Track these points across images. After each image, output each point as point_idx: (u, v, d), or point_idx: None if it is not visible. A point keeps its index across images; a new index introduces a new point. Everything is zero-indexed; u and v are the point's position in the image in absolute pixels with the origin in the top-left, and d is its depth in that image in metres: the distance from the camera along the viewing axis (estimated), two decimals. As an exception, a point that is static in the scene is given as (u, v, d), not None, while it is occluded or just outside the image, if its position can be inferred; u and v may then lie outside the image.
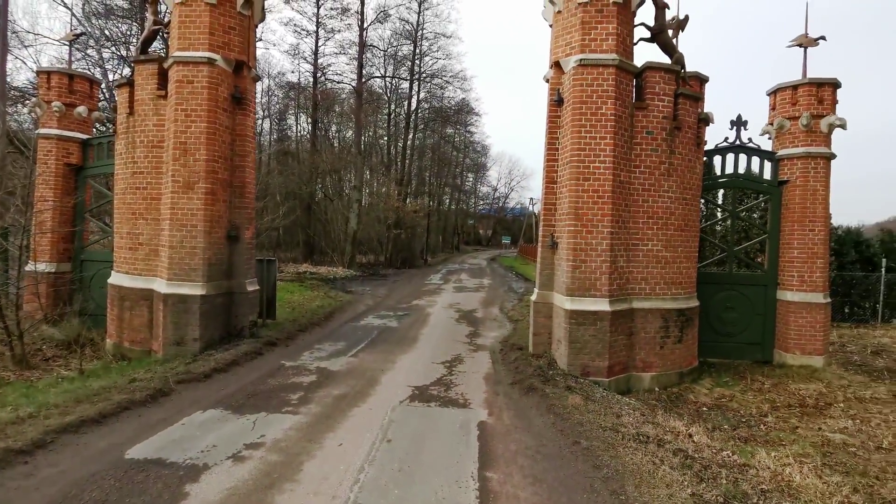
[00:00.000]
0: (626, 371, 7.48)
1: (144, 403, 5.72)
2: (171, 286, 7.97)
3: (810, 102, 9.25)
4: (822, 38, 9.54)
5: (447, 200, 51.59)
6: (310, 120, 32.75)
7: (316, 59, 30.39)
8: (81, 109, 10.73)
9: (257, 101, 32.49)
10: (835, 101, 9.37)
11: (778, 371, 8.86)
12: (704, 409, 6.90)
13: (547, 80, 8.13)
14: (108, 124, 14.66)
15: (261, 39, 28.04)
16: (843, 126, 9.23)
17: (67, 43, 11.58)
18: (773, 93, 9.88)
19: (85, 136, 10.85)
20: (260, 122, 32.50)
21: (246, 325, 8.73)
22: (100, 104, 12.11)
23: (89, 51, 20.55)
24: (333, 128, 35.96)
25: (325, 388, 6.53)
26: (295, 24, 29.93)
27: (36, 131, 10.88)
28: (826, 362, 9.25)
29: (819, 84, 9.29)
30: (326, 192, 30.75)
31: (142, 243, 8.47)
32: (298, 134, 35.83)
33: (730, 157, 9.75)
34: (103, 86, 18.79)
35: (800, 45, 9.45)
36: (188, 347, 7.85)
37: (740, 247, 11.11)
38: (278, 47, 43.67)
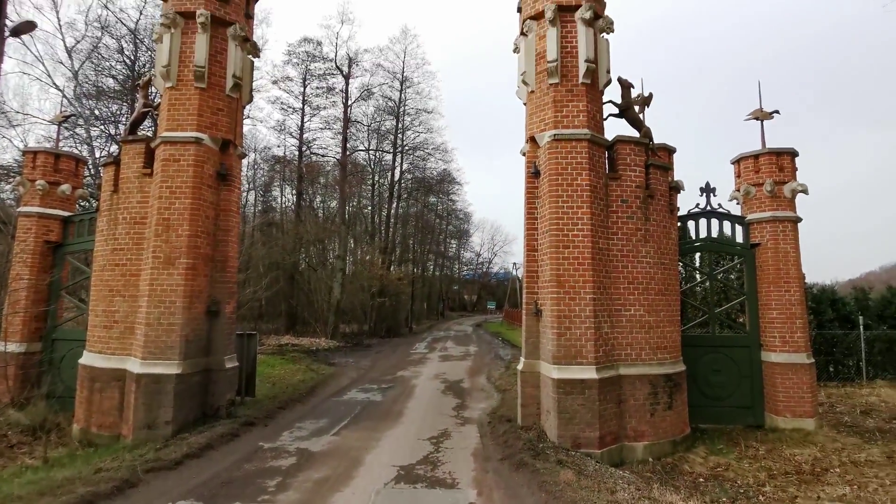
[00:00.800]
0: (617, 441, 7.26)
1: (110, 496, 5.32)
2: (145, 365, 7.67)
3: (772, 170, 9.77)
4: (776, 111, 10.24)
5: (431, 267, 51.82)
6: (295, 191, 33.33)
7: (301, 134, 31.46)
8: (65, 187, 10.78)
9: (243, 175, 33.13)
10: (794, 168, 9.91)
11: (771, 435, 8.68)
12: (701, 480, 6.66)
13: (523, 154, 8.49)
14: (91, 201, 14.71)
15: (248, 117, 29.03)
16: (804, 191, 9.70)
17: (56, 124, 11.82)
18: (736, 161, 10.43)
19: (67, 214, 10.82)
20: (245, 194, 32.95)
21: (223, 404, 8.36)
22: (85, 181, 12.19)
23: (78, 129, 21.00)
24: (318, 199, 36.57)
25: (306, 472, 6.17)
26: (282, 102, 31.17)
27: (18, 209, 10.83)
28: (818, 424, 9.13)
29: (778, 153, 9.86)
30: (310, 261, 30.73)
31: (117, 321, 8.23)
32: (283, 205, 36.31)
33: (703, 221, 10.10)
34: (90, 163, 19.04)
35: (756, 119, 10.12)
36: (160, 431, 7.43)
37: (721, 308, 11.24)
38: (265, 123, 45.49)
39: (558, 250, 7.39)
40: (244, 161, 31.86)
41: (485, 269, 71.34)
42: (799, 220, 9.75)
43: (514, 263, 61.95)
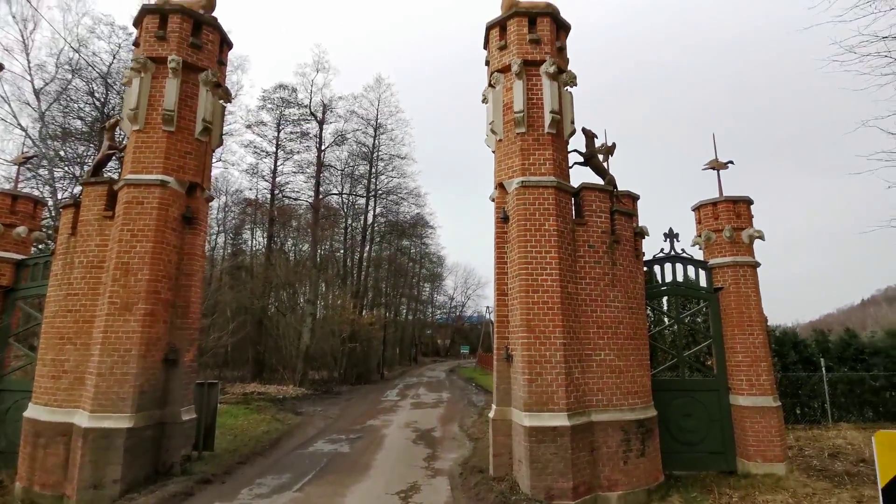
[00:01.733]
0: (591, 491, 7.07)
1: (41, 568, 4.81)
2: (94, 419, 7.18)
3: (730, 217, 10.16)
4: (731, 161, 10.78)
5: (404, 311, 51.25)
6: (266, 235, 32.93)
7: (274, 178, 31.43)
8: (21, 230, 10.34)
9: (212, 218, 32.65)
10: (750, 215, 10.33)
11: (744, 481, 8.61)
12: (676, 530, 6.49)
13: (493, 200, 8.62)
14: (49, 243, 14.15)
15: (220, 160, 28.92)
16: (761, 237, 10.09)
17: (17, 164, 11.47)
18: (697, 208, 10.82)
19: (21, 257, 10.34)
20: (214, 237, 32.34)
21: (178, 460, 7.83)
22: (45, 223, 11.76)
23: (41, 170, 20.47)
24: (290, 242, 36.19)
25: (263, 534, 5.76)
26: (255, 146, 31.21)
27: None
28: (788, 469, 9.12)
29: (735, 201, 10.30)
30: (280, 306, 30.01)
31: (66, 371, 7.74)
32: (253, 248, 35.73)
33: (668, 266, 10.35)
34: (50, 205, 18.45)
35: (713, 168, 10.61)
36: (106, 491, 6.88)
37: (689, 352, 11.36)
38: (237, 167, 45.35)
39: (527, 295, 7.41)
40: (213, 204, 31.55)
41: (458, 313, 70.97)
42: (757, 264, 10.08)
43: (488, 307, 61.93)
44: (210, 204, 9.54)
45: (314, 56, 62.45)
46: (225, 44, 9.31)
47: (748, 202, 10.35)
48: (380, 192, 36.35)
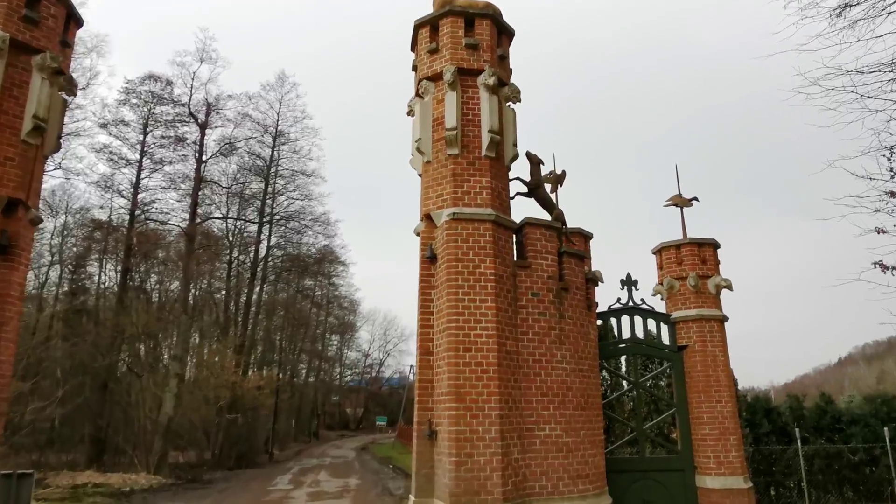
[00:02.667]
0: None
1: None
2: None
3: (695, 262, 10.89)
4: (695, 198, 11.66)
5: (304, 371, 49.70)
6: (120, 268, 31.04)
7: (136, 194, 29.98)
8: None
9: (43, 244, 30.38)
10: (717, 261, 11.14)
11: (712, 582, 8.92)
12: None
13: (418, 234, 8.69)
14: None
15: (59, 167, 27.21)
16: (728, 287, 10.88)
17: None
18: (658, 251, 11.52)
19: None
20: (45, 270, 30.02)
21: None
22: None
23: None
24: (153, 278, 34.34)
25: None
26: (112, 152, 29.69)
27: None
28: (761, 564, 9.59)
29: (700, 244, 11.08)
30: (135, 363, 28.10)
31: None
32: (101, 286, 33.49)
33: (625, 319, 10.83)
34: None
35: (675, 205, 11.40)
36: None
37: (651, 423, 11.83)
38: (84, 177, 42.59)
39: (458, 354, 7.43)
40: (45, 226, 29.39)
41: (374, 374, 69.75)
42: (725, 318, 10.82)
43: (412, 366, 61.47)
44: (39, 226, 8.88)
45: (198, 42, 61.42)
46: (73, 19, 8.92)
47: (714, 245, 11.17)
48: (277, 216, 35.68)
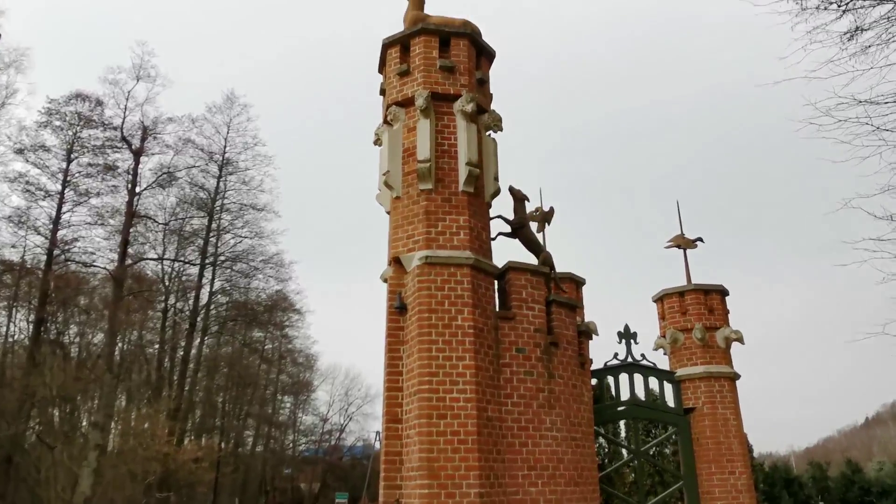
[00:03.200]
0: None
1: None
2: None
3: (701, 312, 11.02)
4: (700, 239, 11.88)
5: (250, 439, 48.48)
6: (33, 318, 30.25)
7: (55, 231, 29.50)
8: None
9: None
10: (726, 311, 11.29)
11: None
12: None
13: (385, 280, 8.66)
14: None
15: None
16: (739, 340, 10.99)
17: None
18: (659, 299, 11.65)
19: None
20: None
21: None
22: None
23: None
24: (72, 330, 33.48)
25: None
26: (28, 182, 29.30)
27: None
28: None
29: (706, 291, 11.23)
30: (46, 432, 27.13)
31: None
32: (10, 339, 32.50)
33: (624, 377, 10.83)
34: None
35: (678, 247, 11.60)
36: None
37: (656, 498, 11.73)
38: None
39: (431, 421, 7.32)
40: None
41: (334, 442, 68.25)
42: (737, 376, 10.89)
43: (377, 432, 60.45)
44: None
45: (134, 58, 61.67)
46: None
47: (722, 292, 11.34)
48: (222, 257, 35.40)
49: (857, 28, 8.68)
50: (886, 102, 8.28)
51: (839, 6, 8.62)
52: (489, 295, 8.26)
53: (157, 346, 34.66)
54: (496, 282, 8.54)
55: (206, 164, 34.36)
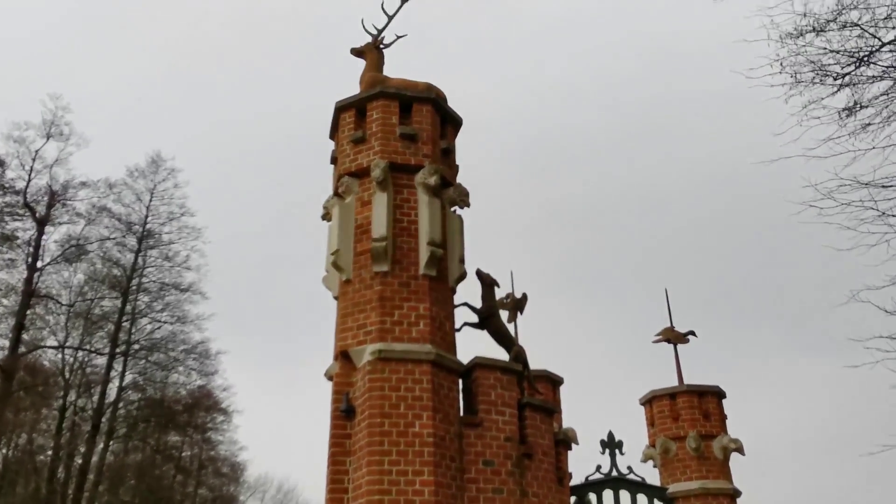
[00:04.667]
0: None
1: None
2: None
3: (695, 418, 11.04)
4: (692, 333, 12.03)
5: (159, 567, 45.97)
6: None
7: (-65, 312, 28.49)
8: None
9: None
10: (723, 416, 11.34)
11: None
12: None
13: (330, 378, 8.53)
14: None
15: None
16: (739, 450, 11.01)
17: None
18: (647, 402, 11.65)
19: None
20: None
21: None
22: None
23: None
24: (-54, 432, 31.90)
25: None
26: None
27: None
28: None
29: (700, 393, 11.30)
30: None
31: None
32: None
33: (608, 494, 10.63)
34: None
35: (667, 341, 11.71)
36: None
37: None
38: None
39: (381, 550, 7.05)
40: None
41: (262, 571, 65.18)
42: (737, 493, 10.84)
43: (317, 558, 57.97)
44: None
45: (45, 113, 61.71)
46: None
47: (719, 395, 11.41)
48: (137, 346, 34.44)
49: (855, 104, 9.15)
50: (891, 185, 8.64)
51: (835, 79, 9.11)
52: (452, 397, 8.15)
53: (49, 453, 33.07)
54: (460, 381, 8.45)
55: (123, 237, 33.90)
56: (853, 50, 8.81)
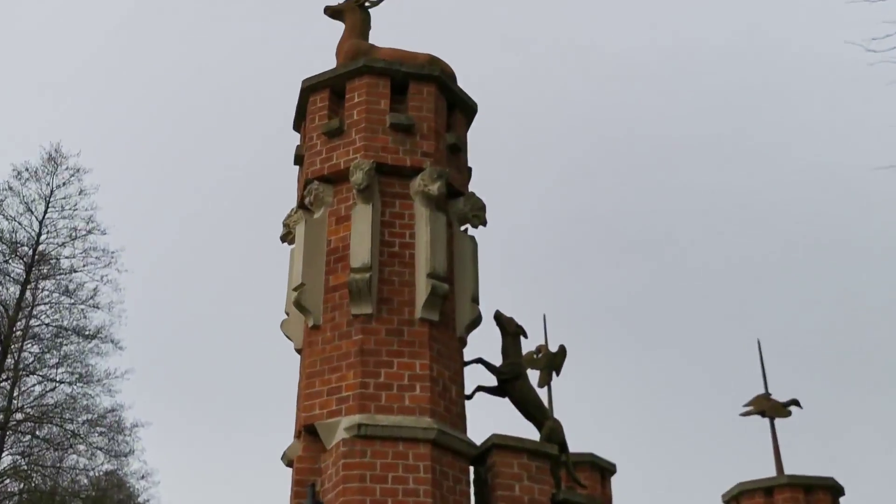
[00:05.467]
0: None
1: None
2: None
3: (800, 521, 10.95)
4: (795, 402, 11.92)
5: None
6: None
7: None
8: None
9: None
10: (839, 520, 11.27)
11: None
12: None
13: (290, 463, 8.52)
14: None
15: None
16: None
17: None
18: (733, 499, 11.55)
19: None
20: None
21: None
22: None
23: None
24: None
25: None
26: None
27: None
28: None
29: (807, 487, 11.18)
30: None
31: None
32: None
33: None
34: None
35: (761, 414, 11.62)
36: None
37: None
38: None
39: None
40: None
41: None
42: None
43: None
44: None
45: None
46: None
47: (835, 490, 11.30)
48: (21, 414, 34.38)
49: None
50: None
51: None
52: (460, 491, 8.09)
53: None
54: (472, 469, 8.41)
55: (6, 261, 34.02)
56: None
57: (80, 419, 35.34)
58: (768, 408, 11.58)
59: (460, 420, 8.51)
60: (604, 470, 11.67)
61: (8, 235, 33.95)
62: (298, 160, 9.64)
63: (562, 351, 10.70)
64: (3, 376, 33.52)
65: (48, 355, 34.90)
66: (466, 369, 9.04)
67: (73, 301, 35.11)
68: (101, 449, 36.87)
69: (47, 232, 34.92)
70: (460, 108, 9.69)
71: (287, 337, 9.11)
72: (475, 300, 9.03)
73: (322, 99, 9.39)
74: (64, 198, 35.46)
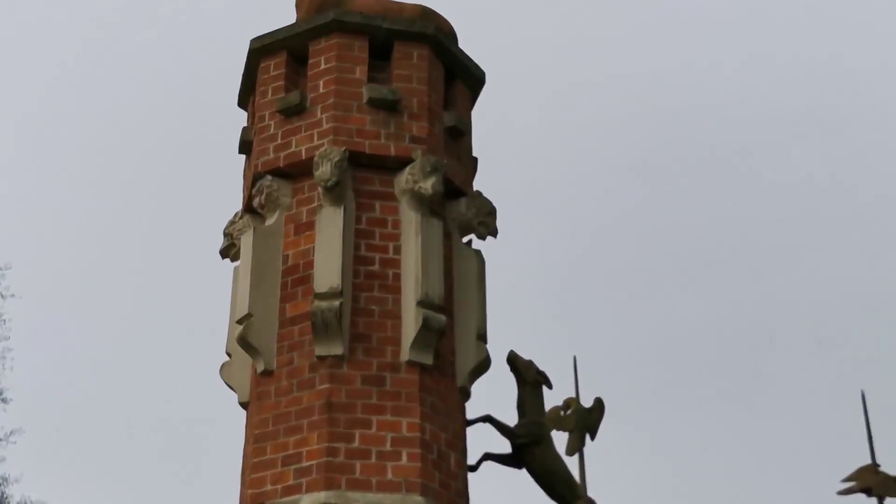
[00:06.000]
0: None
1: None
2: None
3: None
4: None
5: None
6: None
7: None
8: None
9: None
10: None
11: None
12: None
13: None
14: None
15: None
16: None
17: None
18: None
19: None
20: None
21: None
22: None
23: None
24: None
25: None
26: None
27: None
28: None
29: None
30: None
31: None
32: None
33: None
34: None
35: (866, 493, 11.21)
36: None
37: None
38: None
39: None
40: None
41: None
42: None
43: None
44: None
45: None
46: None
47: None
48: None
49: None
50: None
51: None
52: None
53: None
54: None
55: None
56: None
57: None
58: (876, 483, 11.21)
59: (461, 499, 8.20)
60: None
61: None
62: (245, 147, 9.42)
63: (598, 406, 10.32)
64: None
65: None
66: (470, 430, 8.81)
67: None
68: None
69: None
70: (462, 79, 9.47)
71: (228, 386, 8.80)
72: (482, 337, 8.76)
73: (277, 65, 9.16)
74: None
